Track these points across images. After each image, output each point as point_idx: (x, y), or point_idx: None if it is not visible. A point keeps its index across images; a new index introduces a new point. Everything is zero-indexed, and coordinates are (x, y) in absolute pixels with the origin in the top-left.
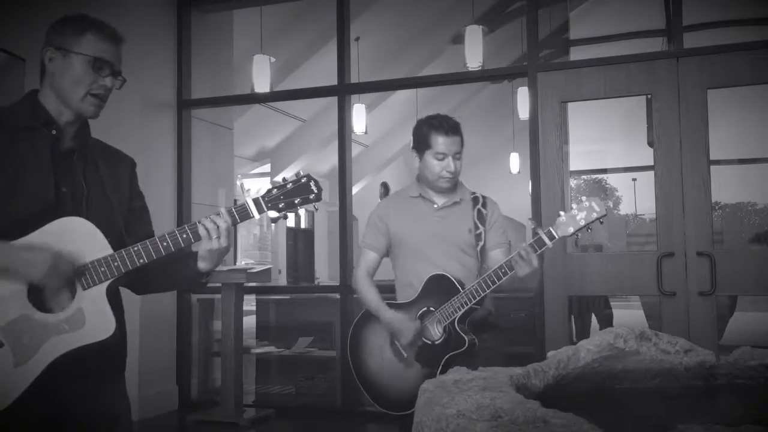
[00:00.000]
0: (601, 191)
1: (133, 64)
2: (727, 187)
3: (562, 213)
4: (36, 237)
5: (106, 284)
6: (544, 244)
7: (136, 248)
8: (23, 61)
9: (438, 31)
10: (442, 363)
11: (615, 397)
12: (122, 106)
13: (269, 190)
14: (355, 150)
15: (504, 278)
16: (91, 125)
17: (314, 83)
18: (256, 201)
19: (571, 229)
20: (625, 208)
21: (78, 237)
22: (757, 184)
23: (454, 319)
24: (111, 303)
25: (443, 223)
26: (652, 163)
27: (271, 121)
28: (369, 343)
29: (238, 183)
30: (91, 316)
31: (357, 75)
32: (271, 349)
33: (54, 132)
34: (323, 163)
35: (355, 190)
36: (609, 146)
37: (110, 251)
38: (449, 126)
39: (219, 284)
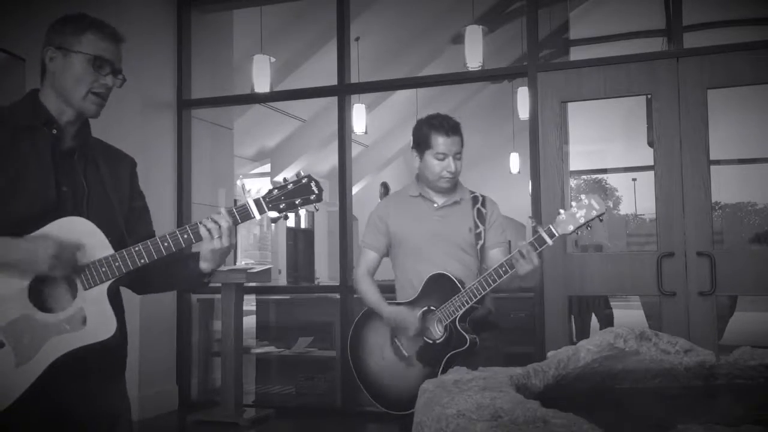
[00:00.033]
0: (601, 191)
1: (133, 64)
2: (727, 187)
3: (561, 211)
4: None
5: (107, 284)
6: (545, 242)
7: (137, 248)
8: (23, 61)
9: (438, 31)
10: (443, 362)
11: (615, 397)
12: (122, 106)
13: (270, 191)
14: (355, 150)
15: (504, 276)
16: (91, 125)
17: (314, 83)
18: (257, 201)
19: (571, 227)
20: (625, 208)
21: (79, 237)
22: (757, 184)
23: (455, 318)
24: (112, 303)
25: (443, 223)
26: (652, 163)
27: (271, 121)
28: (370, 342)
29: (240, 183)
30: (92, 316)
31: (357, 75)
32: (271, 349)
33: (55, 131)
34: (323, 163)
35: (355, 190)
36: (609, 146)
37: (111, 251)
38: (450, 126)
39: (219, 284)
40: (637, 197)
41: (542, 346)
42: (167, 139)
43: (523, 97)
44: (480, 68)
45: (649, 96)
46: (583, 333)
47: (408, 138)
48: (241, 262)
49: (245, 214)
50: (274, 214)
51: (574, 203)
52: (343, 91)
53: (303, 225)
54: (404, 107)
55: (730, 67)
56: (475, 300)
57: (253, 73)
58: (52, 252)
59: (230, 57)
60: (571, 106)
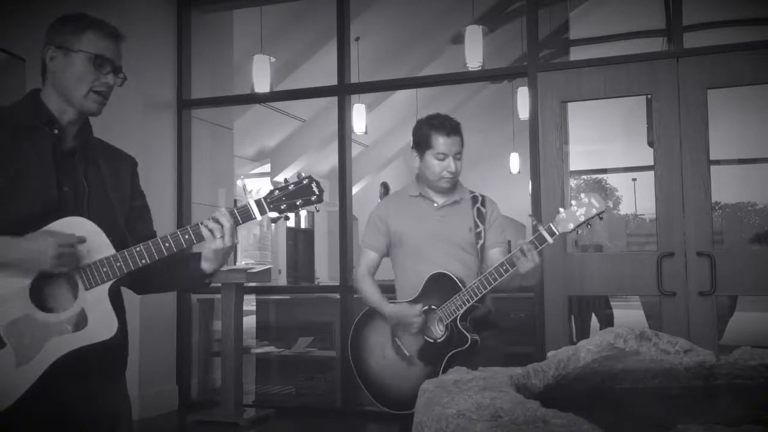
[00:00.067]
0: (601, 191)
1: (134, 64)
2: (727, 187)
3: (561, 210)
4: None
5: (108, 284)
6: (546, 240)
7: (138, 249)
8: (23, 61)
9: (438, 31)
10: (444, 361)
11: (615, 397)
12: (122, 105)
13: (271, 192)
14: (355, 150)
15: (505, 275)
16: (91, 125)
17: (314, 83)
18: (258, 202)
19: (572, 225)
20: (625, 208)
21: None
22: (757, 184)
23: (456, 317)
24: (113, 303)
25: (444, 222)
26: (652, 163)
27: (271, 121)
28: (370, 342)
29: (241, 184)
30: (93, 316)
31: (357, 75)
32: (271, 349)
33: (56, 131)
34: (323, 163)
35: (355, 190)
36: (609, 146)
37: (112, 251)
38: (450, 126)
39: (219, 284)
40: (637, 197)
41: (542, 346)
42: (167, 139)
43: (523, 97)
44: (480, 68)
45: (649, 96)
46: (583, 333)
47: (408, 138)
48: (241, 262)
49: (246, 215)
50: (274, 214)
51: (573, 202)
52: (343, 91)
53: (303, 225)
54: (404, 107)
55: (730, 67)
56: (476, 299)
57: (253, 73)
58: (54, 250)
59: (230, 57)
60: (571, 106)
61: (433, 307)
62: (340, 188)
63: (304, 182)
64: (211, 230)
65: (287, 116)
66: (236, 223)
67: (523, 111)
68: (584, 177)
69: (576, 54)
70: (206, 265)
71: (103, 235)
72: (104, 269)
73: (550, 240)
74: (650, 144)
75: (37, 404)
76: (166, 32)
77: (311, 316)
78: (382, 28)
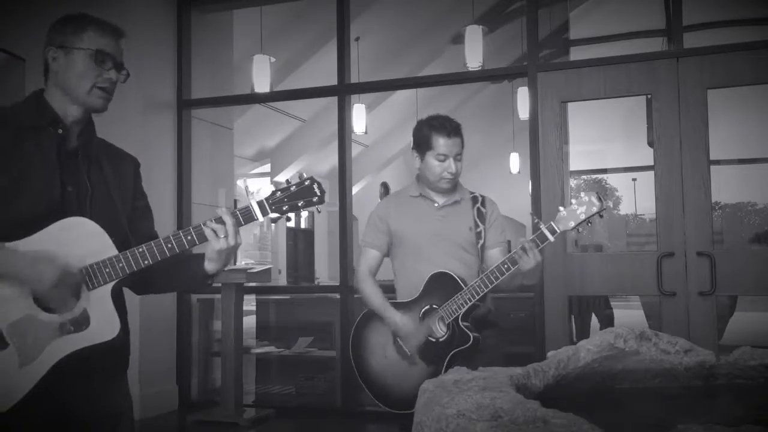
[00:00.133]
0: (601, 191)
1: (134, 64)
2: (727, 187)
3: (561, 208)
4: (41, 239)
5: (110, 285)
6: (547, 238)
7: (140, 249)
8: (23, 61)
9: (438, 31)
10: (446, 360)
11: (615, 397)
12: (122, 105)
13: (273, 193)
14: (355, 150)
15: (507, 274)
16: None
17: (314, 83)
18: (260, 203)
19: (572, 223)
20: (625, 208)
21: (82, 238)
22: (757, 184)
23: (458, 316)
24: (115, 303)
25: (444, 222)
26: (652, 163)
27: (271, 121)
28: (371, 342)
29: (243, 185)
30: (95, 316)
31: (357, 75)
32: (271, 349)
33: (60, 131)
34: (323, 163)
35: (355, 190)
36: (609, 146)
37: (115, 252)
38: (451, 127)
39: (219, 284)
40: (637, 197)
41: (542, 346)
42: (167, 139)
43: (523, 97)
44: (480, 68)
45: (649, 96)
46: (583, 333)
47: (408, 138)
48: (241, 262)
49: (249, 216)
50: (275, 215)
51: (573, 200)
52: (343, 91)
53: (303, 225)
54: (404, 107)
55: (730, 67)
56: (477, 298)
57: (253, 73)
58: (52, 281)
59: (230, 57)
60: (571, 106)
61: (434, 306)
62: (340, 188)
63: (306, 183)
64: (214, 231)
65: (287, 116)
66: (238, 224)
67: (523, 111)
68: (584, 177)
69: (576, 54)
70: (209, 266)
71: (106, 236)
72: (107, 270)
73: (551, 238)
74: (650, 144)
75: (39, 404)
76: (166, 32)
77: (311, 316)
78: (382, 28)
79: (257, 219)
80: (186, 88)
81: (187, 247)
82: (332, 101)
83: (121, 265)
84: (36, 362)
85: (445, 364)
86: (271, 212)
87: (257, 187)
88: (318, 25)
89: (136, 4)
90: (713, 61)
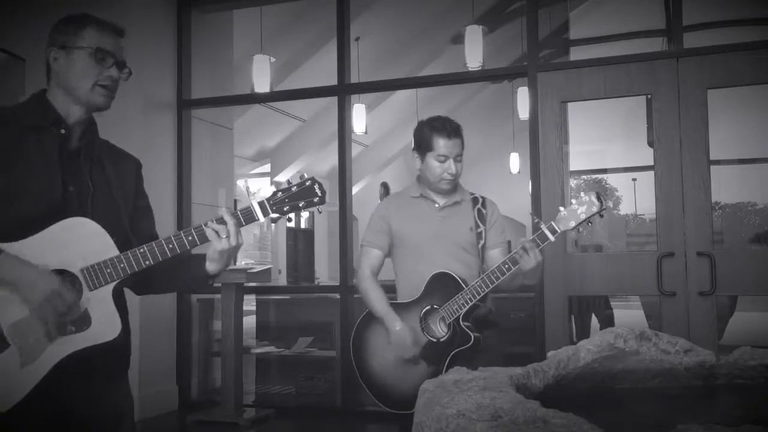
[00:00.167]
0: (601, 191)
1: (134, 64)
2: (727, 187)
3: (562, 208)
4: (42, 239)
5: (112, 285)
6: (547, 238)
7: (142, 250)
8: (23, 61)
9: (438, 31)
10: (447, 360)
11: (615, 397)
12: (122, 106)
13: (274, 193)
14: (355, 150)
15: (507, 274)
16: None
17: (314, 83)
18: (261, 204)
19: (573, 223)
20: (625, 208)
21: (84, 238)
22: (757, 184)
23: (459, 315)
24: (116, 304)
25: (445, 223)
26: (652, 163)
27: (271, 121)
28: (372, 342)
29: (244, 185)
30: (97, 316)
31: (357, 75)
32: (271, 349)
33: (63, 131)
34: (323, 163)
35: (355, 190)
36: (609, 146)
37: (116, 252)
38: (451, 129)
39: (219, 284)
40: (637, 197)
41: (542, 346)
42: (167, 139)
43: (523, 97)
44: (480, 68)
45: (649, 96)
46: (583, 333)
47: (408, 138)
48: (241, 262)
49: (250, 217)
50: (276, 215)
51: (573, 200)
52: (343, 91)
53: (303, 225)
54: (404, 107)
55: (730, 67)
56: (478, 298)
57: (253, 73)
58: (44, 296)
59: (230, 57)
60: (571, 106)
61: (435, 306)
62: (340, 188)
63: (307, 183)
64: (216, 231)
65: (287, 116)
66: (239, 225)
67: (523, 111)
68: (584, 177)
69: (576, 54)
70: (211, 266)
71: (107, 236)
72: (108, 270)
73: (552, 238)
74: (650, 144)
75: (41, 404)
76: (166, 32)
77: (311, 316)
78: (382, 28)
79: (258, 219)
80: (186, 88)
81: (189, 247)
82: (332, 101)
83: (122, 265)
84: (37, 362)
85: (446, 364)
86: (272, 212)
87: (257, 187)
88: (318, 25)
89: (136, 4)
90: (713, 61)
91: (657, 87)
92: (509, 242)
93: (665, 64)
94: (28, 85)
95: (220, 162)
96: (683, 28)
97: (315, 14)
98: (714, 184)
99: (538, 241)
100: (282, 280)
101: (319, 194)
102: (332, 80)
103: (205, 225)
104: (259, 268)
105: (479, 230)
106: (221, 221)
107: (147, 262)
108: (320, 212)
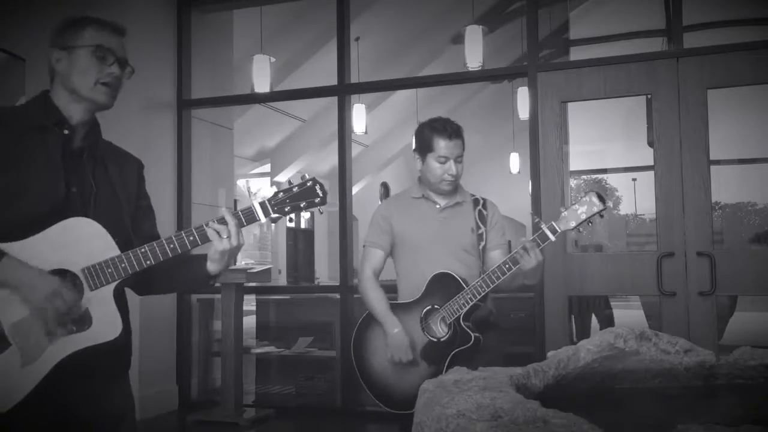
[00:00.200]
0: (601, 191)
1: (134, 63)
2: (727, 187)
3: (562, 209)
4: (44, 239)
5: (113, 285)
6: (548, 238)
7: (143, 250)
8: (23, 61)
9: (438, 31)
10: (448, 359)
11: (615, 397)
12: (122, 105)
13: (275, 194)
14: (355, 150)
15: (508, 273)
16: (100, 126)
17: (314, 83)
18: (262, 204)
19: (573, 223)
20: (625, 208)
21: (85, 238)
22: (757, 184)
23: (460, 315)
24: (117, 304)
25: (446, 224)
26: (652, 163)
27: (271, 121)
28: (373, 342)
29: (246, 186)
30: (97, 316)
31: (357, 75)
32: (271, 349)
33: (66, 132)
34: (323, 163)
35: (355, 190)
36: (609, 146)
37: (117, 252)
38: (452, 130)
39: (219, 284)
40: (637, 197)
41: (542, 346)
42: (167, 139)
43: (523, 97)
44: (480, 68)
45: (649, 96)
46: (583, 333)
47: (408, 138)
48: (241, 262)
49: (251, 217)
50: (277, 215)
51: (575, 201)
52: (343, 91)
53: (303, 225)
54: (404, 107)
55: (730, 67)
56: (479, 297)
57: (253, 73)
58: (44, 296)
59: (230, 57)
60: (571, 106)
61: (436, 306)
62: (340, 188)
63: (308, 184)
64: (217, 231)
65: (287, 116)
66: (240, 225)
67: (523, 111)
68: (584, 177)
69: (576, 54)
70: (212, 267)
71: (108, 236)
72: (109, 270)
73: (552, 237)
74: (650, 144)
75: (41, 404)
76: (166, 32)
77: (311, 316)
78: (382, 28)
79: (259, 220)
80: (186, 88)
81: (190, 247)
82: (332, 101)
83: (123, 265)
84: (38, 362)
85: (446, 364)
86: (273, 213)
87: (257, 187)
88: (318, 25)
89: (135, 4)
90: (713, 61)
91: (657, 87)
92: (509, 242)
93: (665, 64)
94: (28, 85)
95: (220, 162)
96: (683, 28)
97: (315, 14)
98: (714, 184)
99: (539, 240)
100: (282, 280)
101: (321, 195)
102: (332, 80)
103: (206, 225)
104: (259, 268)
105: (480, 231)
106: (222, 221)
107: (148, 262)
108: (321, 213)
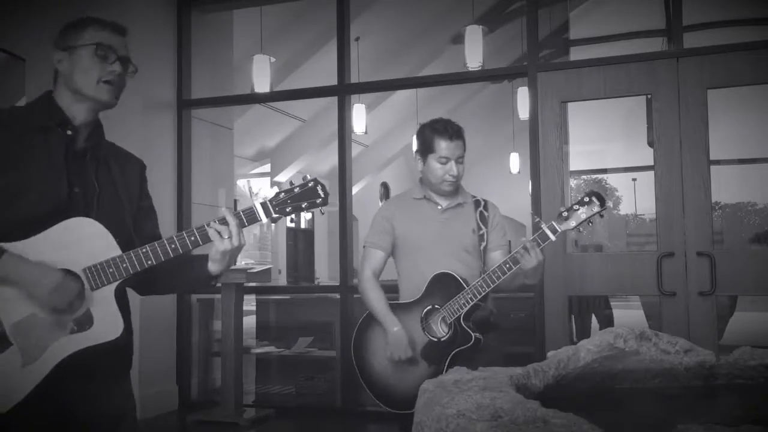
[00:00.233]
0: (602, 190)
1: (134, 63)
2: (727, 187)
3: (562, 209)
4: (45, 239)
5: (114, 285)
6: (548, 237)
7: (144, 250)
8: (23, 61)
9: (438, 31)
10: (448, 359)
11: (615, 397)
12: (123, 106)
13: (277, 194)
14: (355, 150)
15: (508, 273)
16: (103, 126)
17: (314, 83)
18: (263, 205)
19: (573, 223)
20: (625, 208)
21: (86, 238)
22: (757, 184)
23: (460, 315)
24: (118, 303)
25: (448, 225)
26: (652, 163)
27: (271, 121)
28: (374, 342)
29: (247, 186)
30: (99, 316)
31: (357, 75)
32: (271, 349)
33: (69, 132)
34: (323, 163)
35: (355, 190)
36: (609, 146)
37: (118, 252)
38: (453, 131)
39: (219, 284)
40: (637, 197)
41: (542, 346)
42: (167, 139)
43: (523, 97)
44: (480, 68)
45: (649, 96)
46: (583, 333)
47: (408, 138)
48: (241, 262)
49: (252, 217)
50: (278, 216)
51: (575, 200)
52: (343, 91)
53: (303, 225)
54: (404, 107)
55: (730, 67)
56: (479, 297)
57: (253, 73)
58: (50, 289)
59: (230, 57)
60: (571, 106)
61: (436, 306)
62: (340, 188)
63: (310, 185)
64: (218, 232)
65: (287, 116)
66: (242, 225)
67: (523, 111)
68: (584, 177)
69: (576, 54)
70: (213, 267)
71: (110, 236)
72: (110, 270)
73: (552, 237)
74: (650, 144)
75: (41, 404)
76: (166, 32)
77: (311, 316)
78: (382, 28)
79: (261, 220)
80: (186, 88)
81: (191, 248)
82: (332, 101)
83: (124, 265)
84: (39, 361)
85: (447, 363)
86: (275, 213)
87: (258, 187)
88: (318, 25)
89: (135, 4)
90: (713, 61)
91: (657, 87)
92: (510, 243)
93: (665, 64)
94: (28, 85)
95: (220, 162)
96: (683, 28)
97: (315, 14)
98: (714, 184)
99: (539, 240)
100: (282, 280)
101: (322, 195)
102: (332, 80)
103: (208, 225)
104: (259, 268)
105: (481, 232)
106: (223, 221)
107: (149, 262)
108: (323, 213)
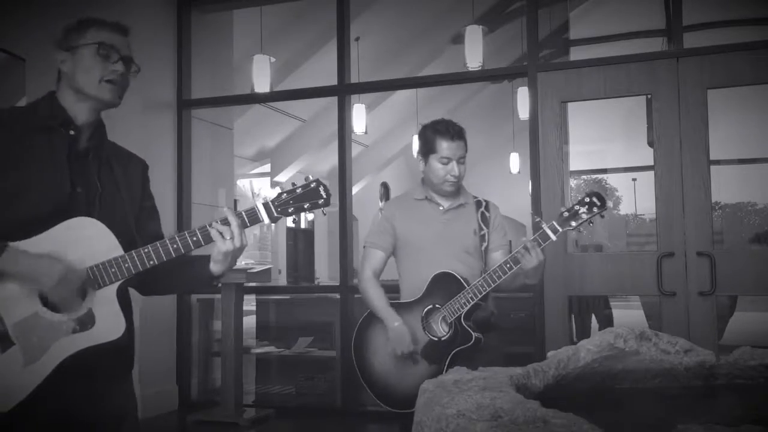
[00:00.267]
0: (602, 190)
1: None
2: (727, 187)
3: (563, 208)
4: (47, 239)
5: (116, 285)
6: (549, 237)
7: (146, 250)
8: (23, 61)
9: (438, 31)
10: (448, 358)
11: (615, 397)
12: (123, 105)
13: (279, 195)
14: (355, 150)
15: (509, 273)
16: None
17: (314, 83)
18: (266, 206)
19: (574, 223)
20: (625, 208)
21: (88, 238)
22: (757, 184)
23: (461, 315)
24: (120, 303)
25: (450, 225)
26: (652, 163)
27: (271, 121)
28: (374, 342)
29: (249, 186)
30: (101, 316)
31: (357, 75)
32: (271, 349)
33: (72, 132)
34: (323, 163)
35: (355, 190)
36: (609, 146)
37: (121, 252)
38: (454, 131)
39: (219, 284)
40: (637, 197)
41: (542, 346)
42: (167, 139)
43: (523, 97)
44: (480, 68)
45: (649, 96)
46: (583, 333)
47: (408, 138)
48: (241, 262)
49: (254, 218)
50: (280, 216)
51: (575, 200)
52: (343, 91)
53: (303, 225)
54: (404, 107)
55: (730, 67)
56: (480, 297)
57: (253, 73)
58: (60, 276)
59: (230, 57)
60: (571, 106)
61: (437, 306)
62: (340, 188)
63: (312, 185)
64: (220, 232)
65: (287, 116)
66: (243, 225)
67: (523, 111)
68: (584, 177)
69: (576, 54)
70: (215, 267)
71: (112, 236)
72: (112, 270)
73: (553, 237)
74: (650, 144)
75: (43, 404)
76: (166, 32)
77: (311, 316)
78: (382, 28)
79: (263, 221)
80: (186, 88)
81: (193, 248)
82: (332, 101)
83: (126, 265)
84: (40, 361)
85: (447, 363)
86: (277, 214)
87: (258, 187)
88: (318, 25)
89: (136, 4)
90: (713, 61)
91: (657, 87)
92: (510, 243)
93: (665, 64)
94: (28, 85)
95: (220, 162)
96: (683, 28)
97: (315, 14)
98: (714, 184)
99: (540, 240)
100: (282, 280)
101: (324, 196)
102: (332, 80)
103: (210, 225)
104: (259, 268)
105: (483, 233)
106: (225, 222)
107: (151, 262)
108: (324, 214)
